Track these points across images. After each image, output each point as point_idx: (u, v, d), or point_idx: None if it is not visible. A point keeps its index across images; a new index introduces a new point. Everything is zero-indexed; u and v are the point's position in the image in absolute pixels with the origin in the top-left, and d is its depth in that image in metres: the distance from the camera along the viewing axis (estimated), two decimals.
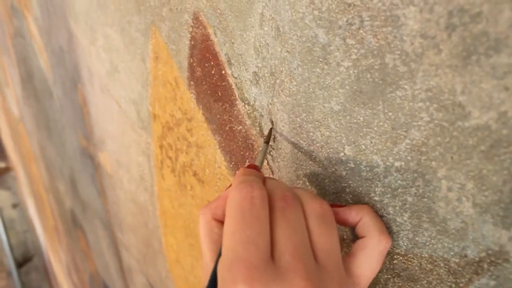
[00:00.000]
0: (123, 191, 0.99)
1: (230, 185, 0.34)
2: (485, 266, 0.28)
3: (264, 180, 0.34)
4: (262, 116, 0.42)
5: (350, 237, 0.39)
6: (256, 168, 0.36)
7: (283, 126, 0.39)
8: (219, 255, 0.30)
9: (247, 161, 0.47)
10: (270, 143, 0.42)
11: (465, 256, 0.29)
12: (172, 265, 0.81)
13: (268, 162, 0.44)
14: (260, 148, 0.43)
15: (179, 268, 0.78)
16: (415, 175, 0.29)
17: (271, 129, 0.41)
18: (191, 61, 0.51)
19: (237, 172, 0.35)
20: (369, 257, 0.32)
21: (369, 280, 0.32)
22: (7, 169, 5.19)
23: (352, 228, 0.35)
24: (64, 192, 1.90)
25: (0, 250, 4.60)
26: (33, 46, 1.54)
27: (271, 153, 0.43)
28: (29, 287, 4.49)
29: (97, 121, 1.00)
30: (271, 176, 0.44)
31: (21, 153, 3.34)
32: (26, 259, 4.74)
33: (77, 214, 1.77)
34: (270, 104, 0.40)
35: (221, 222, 0.34)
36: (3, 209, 4.93)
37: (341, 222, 0.34)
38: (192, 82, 0.52)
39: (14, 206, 5.15)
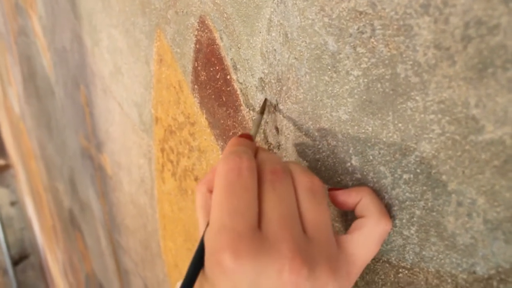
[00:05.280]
0: (122, 193, 0.98)
1: None
2: (495, 283, 0.27)
3: (256, 150, 0.34)
4: (267, 122, 0.41)
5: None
6: (249, 137, 0.35)
7: (289, 134, 0.39)
8: (208, 225, 0.30)
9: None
10: (264, 115, 0.41)
11: (474, 272, 0.28)
12: (170, 269, 0.81)
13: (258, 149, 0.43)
14: (254, 118, 0.42)
15: (177, 272, 0.77)
16: (424, 188, 0.29)
17: (265, 100, 0.40)
18: (196, 65, 0.50)
19: (230, 140, 0.35)
20: (366, 237, 0.31)
21: (364, 261, 0.32)
22: (6, 167, 5.18)
23: (352, 211, 0.34)
24: (63, 192, 1.90)
25: None
26: (36, 45, 1.54)
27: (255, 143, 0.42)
28: (24, 285, 4.48)
29: (99, 122, 1.00)
30: None
31: (21, 151, 3.34)
32: (22, 257, 4.73)
33: (75, 215, 1.76)
34: (276, 110, 0.39)
35: None
36: (1, 206, 4.92)
37: (341, 205, 0.34)
38: (196, 86, 0.51)
39: (12, 203, 5.15)
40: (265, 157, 0.33)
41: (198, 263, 0.30)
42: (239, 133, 0.46)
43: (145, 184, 0.80)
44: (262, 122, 0.42)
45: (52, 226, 2.72)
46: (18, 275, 4.46)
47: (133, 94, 0.72)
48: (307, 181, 0.31)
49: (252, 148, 0.34)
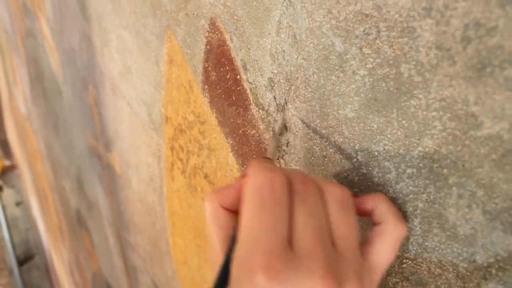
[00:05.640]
0: (131, 191, 1.00)
1: (240, 176, 0.34)
2: (494, 271, 0.28)
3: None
4: (276, 121, 0.43)
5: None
6: (269, 160, 0.36)
7: (297, 132, 0.40)
8: (231, 240, 0.31)
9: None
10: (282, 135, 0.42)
11: (474, 261, 0.29)
12: (179, 266, 0.82)
13: (280, 167, 0.45)
14: (272, 140, 0.43)
15: (186, 268, 0.79)
16: (427, 181, 0.30)
17: (284, 119, 0.41)
18: (206, 65, 0.52)
19: (251, 162, 0.35)
20: (386, 244, 0.32)
21: (385, 266, 0.33)
22: (11, 167, 5.21)
23: (368, 217, 0.35)
24: (69, 191, 1.92)
25: (3, 248, 4.62)
26: (44, 46, 1.56)
27: (284, 157, 0.44)
28: (30, 285, 4.51)
29: (108, 121, 1.02)
30: None
31: (27, 152, 3.36)
32: (28, 257, 4.75)
33: (82, 214, 1.78)
34: (285, 109, 0.41)
35: (228, 210, 0.34)
36: (6, 207, 4.95)
37: (357, 212, 0.34)
38: (206, 86, 0.53)
39: (17, 204, 5.17)
40: (291, 170, 0.33)
41: (223, 281, 0.30)
42: (249, 131, 0.48)
43: (154, 183, 0.82)
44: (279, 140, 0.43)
45: (58, 225, 2.74)
46: (24, 276, 4.49)
47: (143, 93, 0.74)
48: (337, 192, 0.32)
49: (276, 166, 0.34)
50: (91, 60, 1.00)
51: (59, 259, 3.26)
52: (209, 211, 0.34)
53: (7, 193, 5.22)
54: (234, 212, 0.33)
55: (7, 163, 5.27)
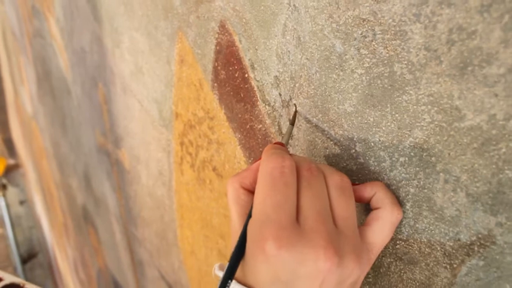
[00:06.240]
0: (140, 186, 1.03)
1: (257, 159, 0.38)
2: (476, 248, 0.32)
3: (290, 155, 0.38)
4: (281, 116, 0.47)
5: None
6: (282, 145, 0.39)
7: (300, 125, 0.44)
8: (249, 216, 0.34)
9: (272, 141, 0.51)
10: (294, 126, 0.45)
11: (459, 240, 0.33)
12: (187, 257, 0.86)
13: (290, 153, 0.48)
14: (286, 129, 0.47)
15: (193, 259, 0.82)
16: (417, 169, 0.34)
17: (295, 111, 0.44)
18: (216, 64, 0.55)
19: (266, 146, 0.39)
20: (382, 227, 0.36)
21: (381, 247, 0.36)
22: (16, 166, 5.24)
23: (367, 203, 0.38)
24: (76, 189, 1.95)
25: (6, 246, 4.65)
26: (53, 46, 1.59)
27: (288, 149, 0.47)
28: (33, 283, 4.52)
29: (117, 119, 1.05)
30: None
31: (32, 150, 3.39)
32: (31, 255, 4.78)
33: (89, 210, 1.81)
34: (289, 105, 0.45)
35: (247, 190, 0.38)
36: (10, 205, 4.98)
37: (357, 199, 0.38)
38: (215, 84, 0.57)
39: (21, 202, 5.20)
40: (299, 158, 0.37)
41: (240, 251, 0.34)
42: (256, 126, 0.51)
43: (163, 177, 0.85)
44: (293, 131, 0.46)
45: (63, 223, 2.77)
46: (27, 274, 4.52)
47: (154, 92, 0.77)
48: (337, 179, 0.36)
49: (286, 153, 0.38)
50: (102, 60, 1.04)
51: (63, 257, 3.29)
52: (230, 192, 0.38)
53: (11, 191, 5.25)
54: (252, 192, 0.37)
55: (11, 162, 5.30)
